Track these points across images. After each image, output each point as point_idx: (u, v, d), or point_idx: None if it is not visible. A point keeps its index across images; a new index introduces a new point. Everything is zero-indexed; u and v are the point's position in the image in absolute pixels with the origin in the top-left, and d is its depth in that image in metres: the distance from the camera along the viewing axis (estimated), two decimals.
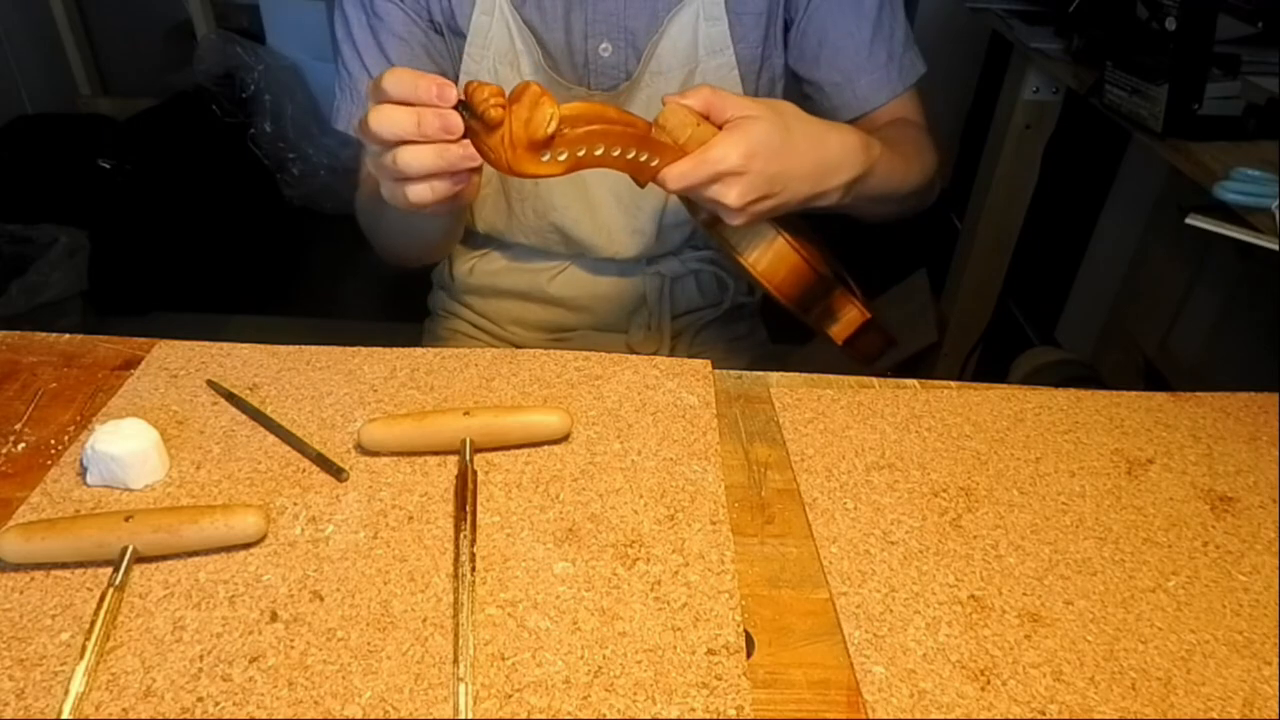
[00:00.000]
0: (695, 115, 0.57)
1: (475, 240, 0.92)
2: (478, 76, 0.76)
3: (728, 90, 0.58)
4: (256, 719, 0.39)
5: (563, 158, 0.53)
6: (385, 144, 0.52)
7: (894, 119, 0.81)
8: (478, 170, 0.55)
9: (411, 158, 0.51)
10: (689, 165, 0.56)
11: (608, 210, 0.83)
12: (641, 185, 0.59)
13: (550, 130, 0.51)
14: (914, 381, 0.64)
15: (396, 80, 0.51)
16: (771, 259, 0.64)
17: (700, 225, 0.67)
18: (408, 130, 0.51)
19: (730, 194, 0.57)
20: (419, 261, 0.84)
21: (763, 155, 0.57)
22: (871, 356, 0.76)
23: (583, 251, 0.86)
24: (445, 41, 0.78)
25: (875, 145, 0.65)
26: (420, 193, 0.53)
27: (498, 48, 0.76)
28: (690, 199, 0.63)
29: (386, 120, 0.51)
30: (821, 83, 0.80)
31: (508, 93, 0.51)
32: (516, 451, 0.55)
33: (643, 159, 0.56)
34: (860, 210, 0.71)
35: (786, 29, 0.80)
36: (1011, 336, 1.90)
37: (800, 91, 0.83)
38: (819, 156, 0.61)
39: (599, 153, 0.54)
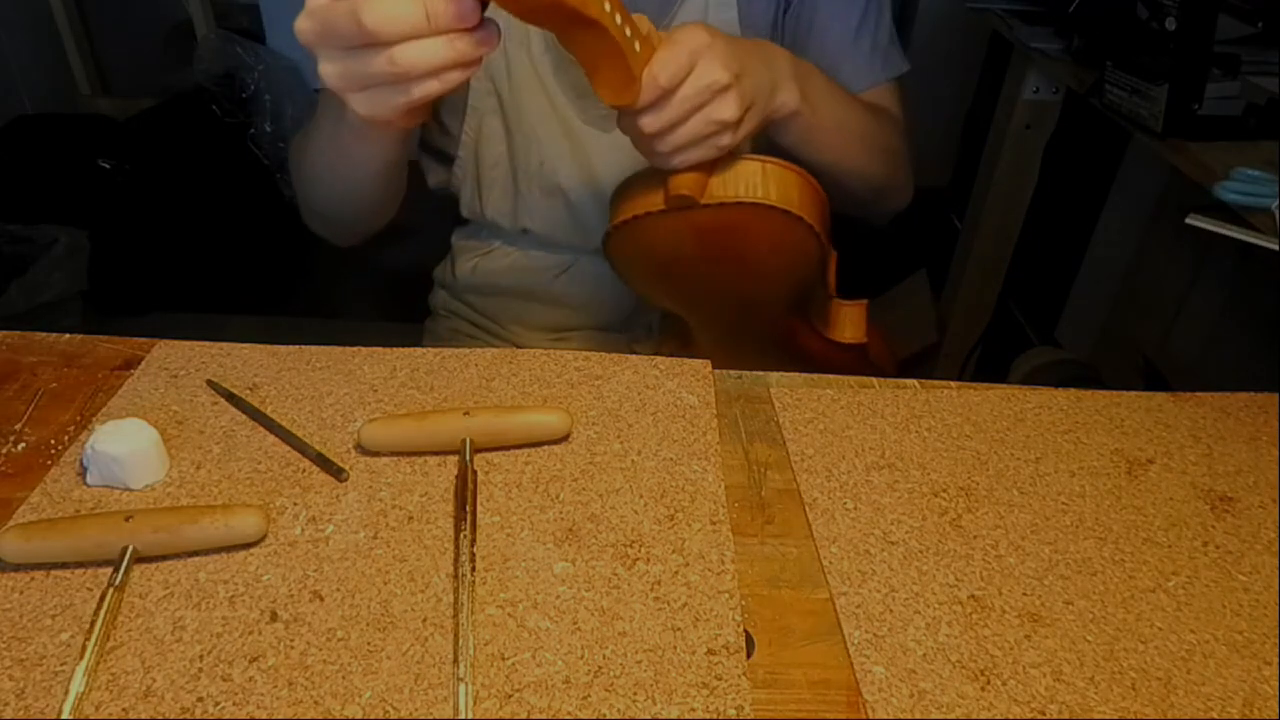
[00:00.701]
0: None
1: (479, 236, 0.92)
2: (493, 60, 0.76)
3: None
4: (256, 719, 0.39)
5: None
6: (377, 42, 0.45)
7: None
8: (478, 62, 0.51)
9: (420, 54, 0.45)
10: (666, 52, 0.55)
11: (613, 189, 0.83)
12: (623, 98, 0.56)
13: None
14: (914, 381, 0.64)
15: None
16: (777, 181, 0.61)
17: (689, 197, 0.61)
18: (415, 25, 0.45)
19: (716, 68, 0.56)
20: (355, 223, 0.75)
21: (717, 35, 0.57)
22: (884, 356, 0.73)
23: (587, 238, 0.86)
24: None
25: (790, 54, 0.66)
26: (428, 88, 0.48)
27: (507, 23, 0.76)
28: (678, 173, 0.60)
29: (384, 13, 0.44)
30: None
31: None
32: (516, 451, 0.55)
33: (628, 33, 0.53)
34: (828, 152, 0.70)
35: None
36: (1011, 336, 1.90)
37: None
38: (751, 45, 0.61)
39: None
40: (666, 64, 0.55)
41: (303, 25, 0.47)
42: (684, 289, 0.73)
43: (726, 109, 0.57)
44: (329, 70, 0.48)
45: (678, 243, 0.66)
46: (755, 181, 0.61)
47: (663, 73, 0.54)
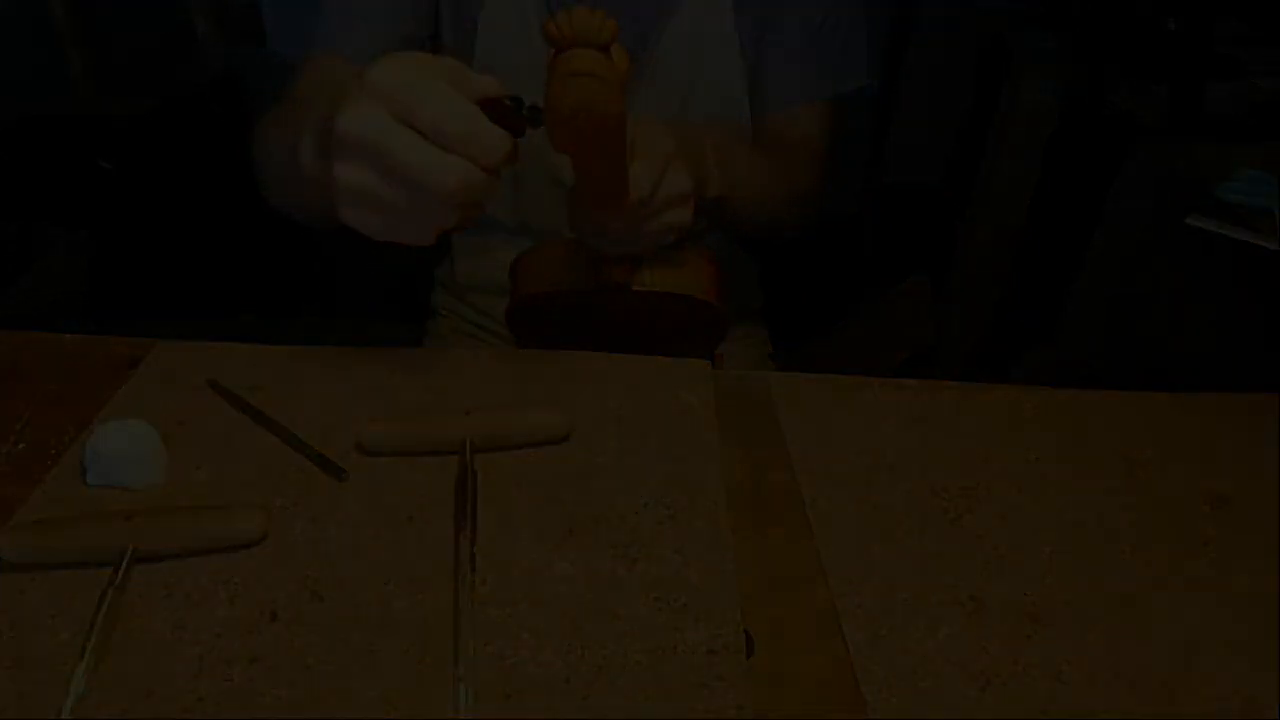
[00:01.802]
0: None
1: (480, 234, 0.92)
2: (492, 51, 0.77)
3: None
4: (256, 719, 0.39)
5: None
6: (428, 191, 0.45)
7: (797, 137, 0.82)
8: None
9: (475, 188, 0.46)
10: (645, 164, 0.55)
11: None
12: (610, 209, 0.57)
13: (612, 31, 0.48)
14: (914, 381, 0.64)
15: (457, 115, 0.44)
16: (699, 274, 0.65)
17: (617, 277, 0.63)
18: (477, 186, 0.46)
19: (683, 177, 0.58)
20: (307, 222, 0.72)
21: (674, 137, 0.58)
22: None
23: None
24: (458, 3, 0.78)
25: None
26: (450, 218, 0.48)
27: (517, 24, 0.77)
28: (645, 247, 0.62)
29: (452, 174, 0.44)
30: (755, 68, 0.83)
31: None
32: (516, 451, 0.55)
33: (626, 120, 0.53)
34: (740, 213, 0.74)
35: None
36: (1011, 336, 1.90)
37: None
38: (686, 138, 0.62)
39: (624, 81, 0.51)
40: (647, 176, 0.56)
41: (357, 131, 0.44)
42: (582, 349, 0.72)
43: (684, 216, 0.59)
44: (351, 178, 0.45)
45: (596, 316, 0.67)
46: (683, 274, 0.64)
47: (645, 185, 0.55)
